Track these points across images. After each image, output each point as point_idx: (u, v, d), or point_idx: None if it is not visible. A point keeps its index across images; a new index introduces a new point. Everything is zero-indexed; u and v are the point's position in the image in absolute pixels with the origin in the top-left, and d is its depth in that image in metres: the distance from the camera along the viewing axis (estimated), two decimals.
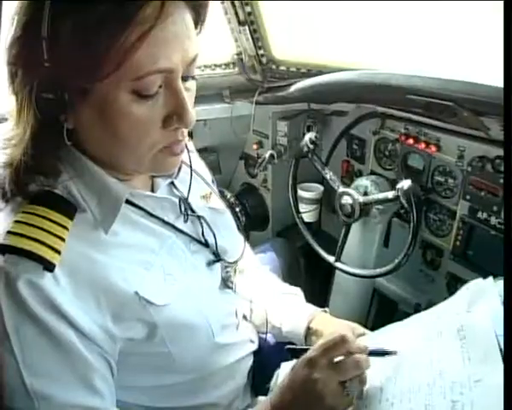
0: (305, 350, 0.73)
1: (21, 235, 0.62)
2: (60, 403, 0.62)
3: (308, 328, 0.97)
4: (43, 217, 0.63)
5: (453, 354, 0.68)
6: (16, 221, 0.63)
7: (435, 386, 0.65)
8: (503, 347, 0.63)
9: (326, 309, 1.02)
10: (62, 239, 0.63)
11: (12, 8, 0.61)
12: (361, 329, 0.91)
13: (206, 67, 1.74)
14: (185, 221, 0.82)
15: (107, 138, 0.65)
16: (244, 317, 0.99)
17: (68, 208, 0.66)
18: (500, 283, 0.73)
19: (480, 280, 0.77)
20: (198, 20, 0.68)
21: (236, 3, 1.56)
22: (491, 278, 0.75)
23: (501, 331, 0.65)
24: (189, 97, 0.66)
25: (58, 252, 0.62)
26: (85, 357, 0.64)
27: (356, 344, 0.70)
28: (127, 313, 0.68)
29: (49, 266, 0.61)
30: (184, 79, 0.66)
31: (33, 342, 0.61)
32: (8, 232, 0.62)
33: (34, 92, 0.60)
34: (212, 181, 0.95)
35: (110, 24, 0.56)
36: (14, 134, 0.66)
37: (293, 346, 0.73)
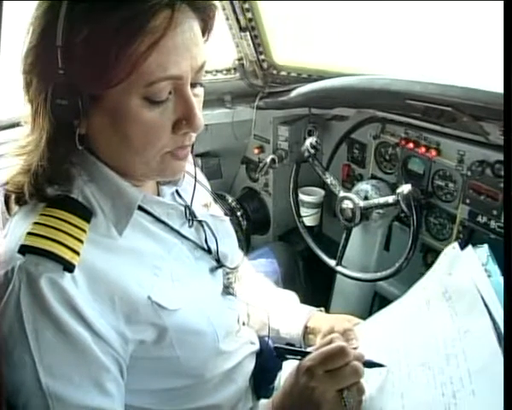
0: (293, 351, 0.74)
1: (41, 236, 0.63)
2: (74, 404, 0.63)
3: (305, 327, 0.99)
4: (62, 219, 0.65)
5: (442, 315, 0.73)
6: (35, 223, 0.64)
7: (429, 346, 0.70)
8: (486, 299, 0.68)
9: (321, 309, 1.04)
10: (81, 241, 0.65)
11: (27, 19, 0.63)
12: (356, 319, 0.94)
13: (207, 72, 1.75)
14: (190, 226, 0.84)
15: (118, 142, 0.67)
16: (243, 322, 1.00)
17: (85, 212, 0.68)
18: (478, 250, 0.77)
19: (456, 244, 0.81)
20: (205, 29, 0.70)
21: (237, 10, 1.57)
22: (470, 247, 0.79)
23: (482, 287, 0.70)
24: (197, 103, 0.68)
25: (77, 253, 0.63)
26: (99, 358, 0.64)
27: (354, 353, 0.71)
28: (140, 316, 0.69)
29: (68, 267, 0.62)
30: (193, 85, 0.68)
31: (51, 342, 0.61)
32: (28, 233, 0.63)
33: (49, 99, 0.62)
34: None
35: (122, 33, 0.58)
36: (29, 140, 0.68)
37: (280, 345, 0.74)
